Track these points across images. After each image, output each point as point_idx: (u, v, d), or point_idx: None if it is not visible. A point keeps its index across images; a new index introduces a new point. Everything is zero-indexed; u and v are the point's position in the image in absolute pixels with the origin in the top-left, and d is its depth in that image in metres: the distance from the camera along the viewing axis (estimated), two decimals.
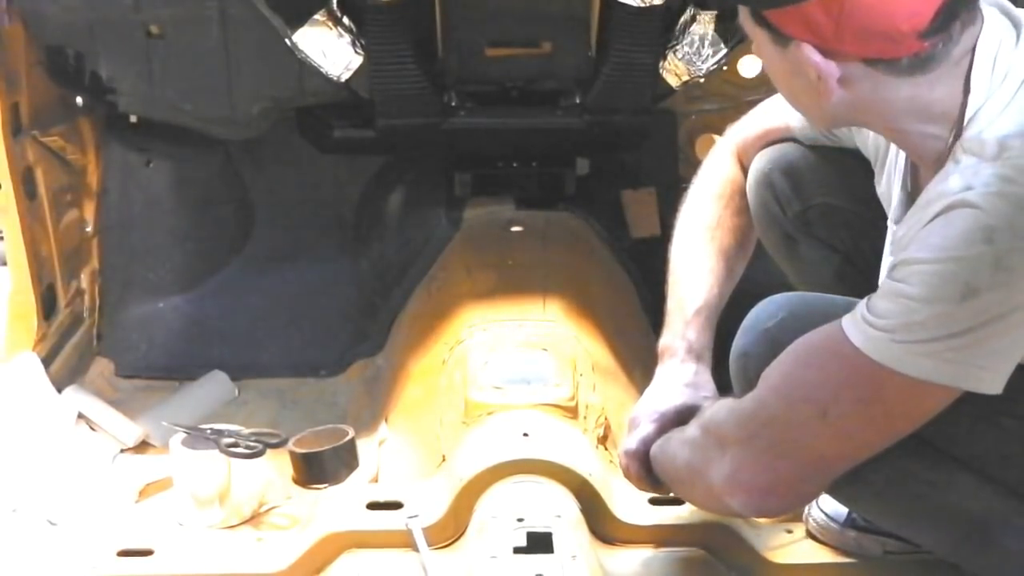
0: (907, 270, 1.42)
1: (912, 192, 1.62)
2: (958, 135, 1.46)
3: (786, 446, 1.54)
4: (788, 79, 1.54)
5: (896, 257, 1.46)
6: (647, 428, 1.83)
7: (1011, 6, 1.53)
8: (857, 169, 1.78)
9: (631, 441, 1.85)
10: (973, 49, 1.47)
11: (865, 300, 1.47)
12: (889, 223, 1.68)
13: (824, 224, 1.89)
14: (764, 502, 1.61)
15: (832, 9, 1.40)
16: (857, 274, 1.87)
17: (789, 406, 1.54)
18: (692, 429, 1.69)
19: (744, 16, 1.53)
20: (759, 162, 1.93)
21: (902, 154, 1.64)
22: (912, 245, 1.43)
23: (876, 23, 1.41)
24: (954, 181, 1.41)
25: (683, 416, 1.80)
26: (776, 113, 1.92)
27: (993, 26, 1.49)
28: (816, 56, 1.44)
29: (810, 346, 1.52)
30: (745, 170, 1.96)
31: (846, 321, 1.48)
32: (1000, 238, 1.37)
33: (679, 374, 1.88)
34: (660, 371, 1.91)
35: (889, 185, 1.70)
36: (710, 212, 1.95)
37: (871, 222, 1.76)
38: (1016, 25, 1.51)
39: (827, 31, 1.42)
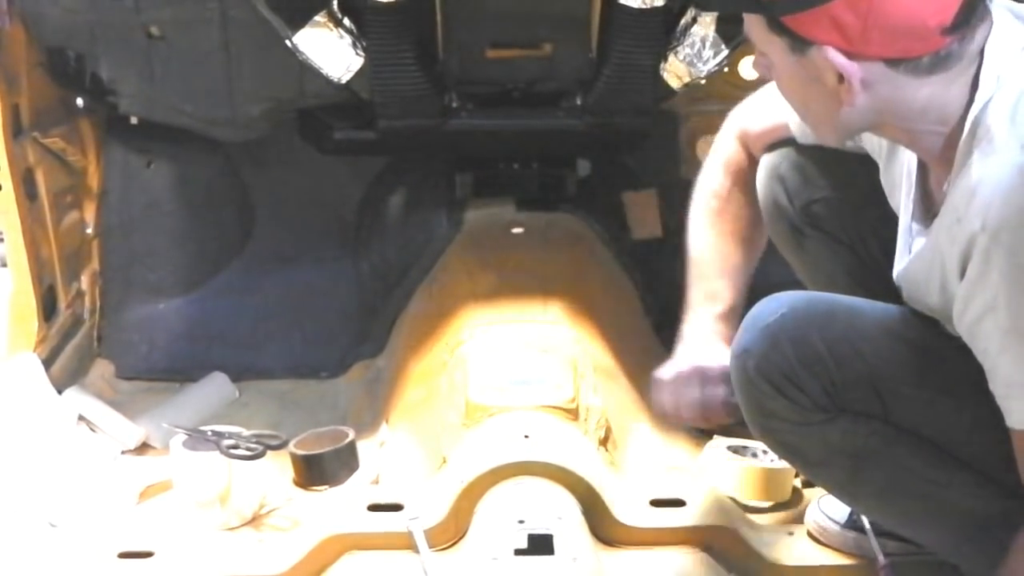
0: None
1: (924, 194, 1.62)
2: (963, 130, 1.47)
3: None
4: (802, 89, 1.53)
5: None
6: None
7: (1020, 7, 1.54)
8: (865, 162, 1.77)
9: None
10: (983, 48, 1.47)
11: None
12: (903, 224, 1.68)
13: (831, 217, 1.89)
14: None
15: (860, 7, 1.40)
16: (862, 267, 1.88)
17: None
18: None
19: (755, 25, 1.51)
20: (769, 156, 1.93)
21: (907, 153, 1.64)
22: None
23: (903, 19, 1.41)
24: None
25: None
26: (780, 110, 1.92)
27: (1002, 25, 1.49)
28: (840, 58, 1.44)
29: None
30: (750, 156, 1.97)
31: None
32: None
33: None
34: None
35: (894, 185, 1.70)
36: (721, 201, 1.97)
37: (877, 216, 1.76)
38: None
39: (853, 31, 1.42)
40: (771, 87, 1.86)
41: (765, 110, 1.92)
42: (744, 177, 1.96)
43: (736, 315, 1.90)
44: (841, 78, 1.46)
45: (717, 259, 1.94)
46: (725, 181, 1.97)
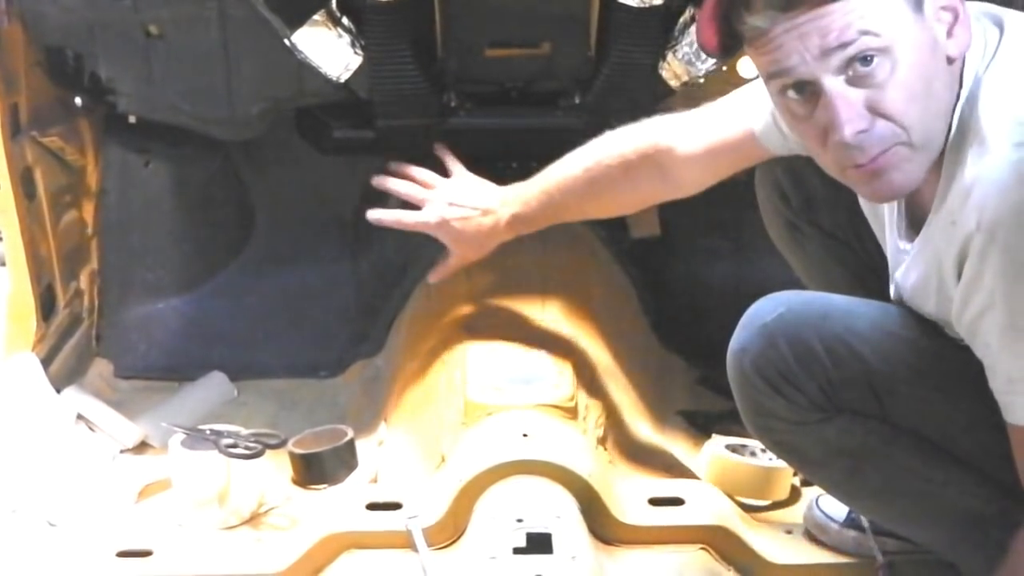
0: None
1: (909, 203, 1.62)
2: (951, 127, 1.48)
3: None
4: (925, 65, 1.46)
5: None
6: None
7: (994, 9, 1.55)
8: None
9: None
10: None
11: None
12: (891, 241, 1.68)
13: (828, 215, 1.89)
14: None
15: None
16: (860, 264, 1.88)
17: None
18: None
19: (878, 8, 1.43)
20: (765, 163, 1.94)
21: None
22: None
23: None
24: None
25: None
26: (728, 121, 1.91)
27: (978, 27, 1.51)
28: None
29: None
30: (660, 169, 1.99)
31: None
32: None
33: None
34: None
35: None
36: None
37: None
38: (998, 25, 1.52)
39: None
40: (711, 109, 1.89)
41: (708, 126, 1.93)
42: (641, 174, 2.05)
43: (522, 223, 2.26)
44: (955, 16, 1.46)
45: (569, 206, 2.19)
46: (632, 158, 2.06)
